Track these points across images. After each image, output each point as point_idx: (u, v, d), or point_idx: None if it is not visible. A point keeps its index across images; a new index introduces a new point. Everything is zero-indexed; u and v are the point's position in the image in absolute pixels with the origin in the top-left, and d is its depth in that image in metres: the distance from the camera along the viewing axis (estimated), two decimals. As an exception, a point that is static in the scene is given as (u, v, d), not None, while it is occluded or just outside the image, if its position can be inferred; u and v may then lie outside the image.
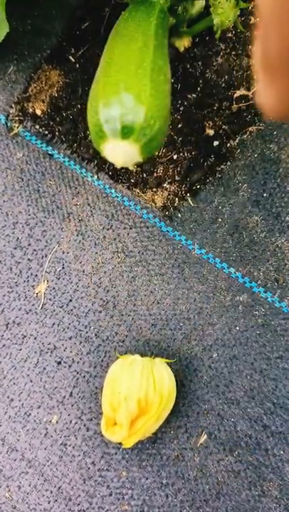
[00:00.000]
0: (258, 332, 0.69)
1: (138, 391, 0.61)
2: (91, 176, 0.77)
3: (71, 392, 0.70)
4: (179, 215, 0.74)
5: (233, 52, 0.79)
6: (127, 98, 0.44)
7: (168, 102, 0.48)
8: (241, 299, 0.70)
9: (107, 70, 0.47)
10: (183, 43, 0.78)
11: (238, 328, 0.69)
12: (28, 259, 0.75)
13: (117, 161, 0.46)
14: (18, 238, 0.76)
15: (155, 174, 0.76)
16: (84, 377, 0.71)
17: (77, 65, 0.81)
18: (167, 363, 0.66)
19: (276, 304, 0.69)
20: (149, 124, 0.45)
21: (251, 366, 0.68)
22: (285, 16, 0.18)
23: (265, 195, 0.72)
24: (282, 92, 0.21)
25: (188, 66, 0.79)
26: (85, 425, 0.69)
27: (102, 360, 0.71)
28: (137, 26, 0.51)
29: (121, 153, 0.45)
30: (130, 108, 0.44)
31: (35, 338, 0.73)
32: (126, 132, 0.44)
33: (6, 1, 0.72)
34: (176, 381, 0.67)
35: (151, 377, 0.62)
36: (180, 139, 0.76)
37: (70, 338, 0.72)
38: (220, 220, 0.73)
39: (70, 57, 0.81)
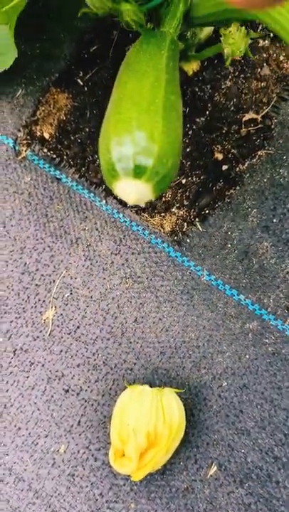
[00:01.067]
0: (269, 360, 0.68)
1: (147, 423, 0.60)
2: (99, 201, 0.76)
3: (79, 421, 0.70)
4: (188, 241, 0.73)
5: (242, 76, 0.79)
6: (139, 136, 0.44)
7: (180, 138, 0.47)
8: (251, 326, 0.69)
9: (118, 107, 0.46)
10: (191, 67, 0.78)
11: (248, 356, 0.69)
12: (36, 285, 0.75)
13: (129, 199, 0.45)
14: (25, 263, 0.75)
15: (163, 199, 0.75)
16: (92, 405, 0.70)
17: (86, 88, 0.81)
18: (176, 392, 0.66)
19: (287, 332, 0.68)
20: (161, 163, 0.44)
21: (262, 396, 0.67)
22: None
23: (274, 220, 0.72)
24: None
25: (197, 89, 0.78)
26: (92, 455, 0.69)
27: (110, 388, 0.70)
28: (148, 60, 0.51)
29: (133, 192, 0.45)
30: (143, 147, 0.44)
31: (42, 366, 0.72)
32: (138, 172, 0.44)
33: (15, 25, 0.72)
34: (186, 410, 0.66)
35: (160, 409, 0.61)
36: (188, 163, 0.76)
37: (78, 366, 0.71)
38: (229, 245, 0.72)
39: (79, 81, 0.81)
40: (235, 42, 0.56)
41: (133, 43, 0.78)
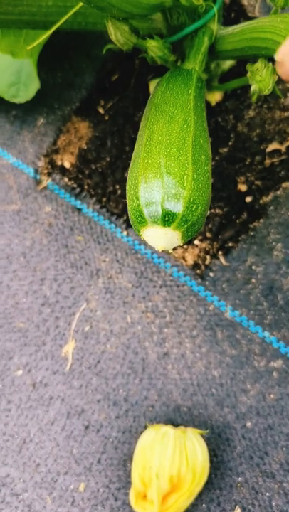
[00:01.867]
0: (294, 401, 0.66)
1: (170, 468, 0.59)
2: (120, 232, 0.75)
3: (99, 459, 0.68)
4: (211, 274, 0.72)
5: (265, 105, 0.78)
6: (168, 183, 0.43)
7: (209, 183, 0.46)
8: (276, 364, 0.67)
9: (147, 151, 0.45)
10: (214, 98, 0.77)
11: (272, 395, 0.67)
12: (56, 317, 0.74)
13: (157, 246, 0.44)
14: (45, 295, 0.75)
15: (186, 230, 0.74)
16: (112, 442, 0.69)
17: (107, 118, 0.80)
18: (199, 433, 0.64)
19: (313, 371, 0.66)
20: (191, 211, 0.43)
21: (287, 437, 0.65)
22: None
23: (300, 255, 0.70)
24: None
25: (220, 120, 0.77)
26: (113, 494, 0.67)
27: (130, 426, 0.69)
28: (176, 100, 0.50)
29: (162, 239, 0.44)
30: (172, 194, 0.43)
31: (62, 400, 0.71)
32: (167, 219, 0.43)
33: (37, 57, 0.73)
34: (208, 451, 0.65)
35: (184, 453, 0.60)
36: (212, 194, 0.74)
37: (99, 401, 0.70)
38: (253, 280, 0.70)
39: (100, 110, 0.81)
40: (262, 79, 0.55)
41: (155, 76, 0.78)
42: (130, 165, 0.48)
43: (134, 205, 0.44)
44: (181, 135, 0.46)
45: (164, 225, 0.43)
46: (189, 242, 0.74)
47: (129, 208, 0.45)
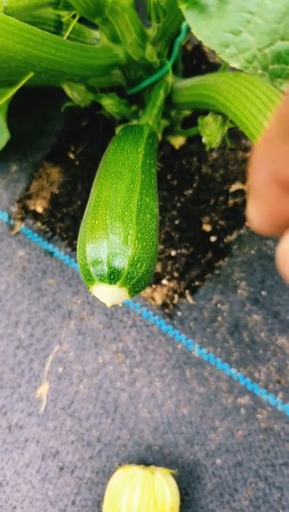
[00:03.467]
0: (262, 436, 0.68)
1: (138, 509, 0.60)
2: (91, 274, 0.78)
3: (73, 500, 0.69)
4: (179, 313, 0.74)
5: (228, 147, 0.81)
6: (114, 243, 0.45)
7: (155, 240, 0.49)
8: (243, 401, 0.69)
9: (94, 212, 0.48)
10: (178, 142, 0.81)
11: (240, 432, 0.68)
12: (30, 359, 0.76)
13: (105, 302, 0.46)
14: (20, 338, 0.77)
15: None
16: (86, 483, 0.70)
17: (77, 163, 0.84)
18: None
19: (279, 407, 0.68)
20: (135, 268, 0.45)
21: (256, 473, 0.67)
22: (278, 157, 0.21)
23: (263, 293, 0.72)
24: (265, 214, 0.24)
25: (184, 162, 0.80)
26: (87, 536, 0.68)
27: (104, 466, 0.70)
28: (125, 159, 0.53)
29: (109, 295, 0.46)
30: (117, 253, 0.45)
31: (37, 442, 0.72)
32: (113, 278, 0.45)
33: (7, 108, 0.76)
34: (180, 489, 0.66)
35: (152, 494, 0.61)
36: (177, 235, 0.77)
37: (73, 442, 0.71)
38: (219, 318, 0.72)
39: (70, 155, 0.84)
40: (211, 133, 0.58)
41: (121, 121, 0.81)
42: (81, 223, 0.50)
43: (82, 264, 0.47)
44: (127, 195, 0.49)
45: (111, 283, 0.45)
46: (157, 282, 0.76)
47: (78, 265, 0.48)
